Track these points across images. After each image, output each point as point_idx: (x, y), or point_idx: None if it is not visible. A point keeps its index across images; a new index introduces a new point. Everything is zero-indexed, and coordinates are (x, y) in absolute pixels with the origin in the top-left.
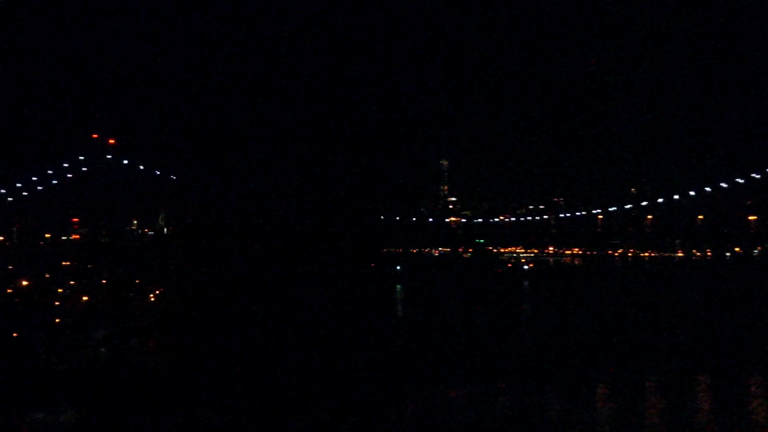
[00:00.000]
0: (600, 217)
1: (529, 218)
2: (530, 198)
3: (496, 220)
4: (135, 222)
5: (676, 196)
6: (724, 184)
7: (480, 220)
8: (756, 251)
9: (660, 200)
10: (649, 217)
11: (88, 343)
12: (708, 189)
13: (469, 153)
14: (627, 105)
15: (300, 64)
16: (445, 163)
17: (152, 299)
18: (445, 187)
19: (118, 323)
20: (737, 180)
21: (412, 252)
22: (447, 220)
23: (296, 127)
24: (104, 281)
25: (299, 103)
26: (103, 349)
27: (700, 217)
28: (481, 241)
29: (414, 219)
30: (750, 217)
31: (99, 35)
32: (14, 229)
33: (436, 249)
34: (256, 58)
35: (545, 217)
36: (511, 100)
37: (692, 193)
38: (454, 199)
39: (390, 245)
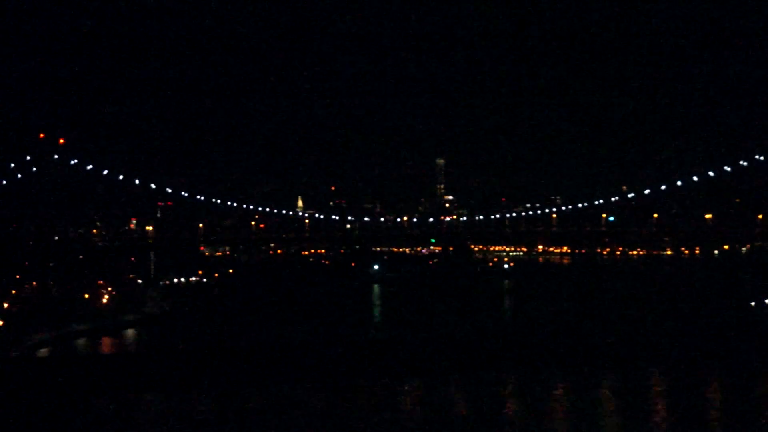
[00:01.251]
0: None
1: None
2: (524, 196)
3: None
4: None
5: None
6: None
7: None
8: (744, 249)
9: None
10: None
11: (26, 345)
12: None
13: (465, 151)
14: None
15: (288, 60)
16: (441, 161)
17: (105, 301)
18: (441, 186)
19: (64, 325)
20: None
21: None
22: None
23: (283, 125)
24: (53, 282)
25: (288, 100)
26: (43, 350)
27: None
28: (433, 240)
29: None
30: (706, 216)
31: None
32: None
33: (426, 248)
34: (238, 54)
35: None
36: (504, 100)
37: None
38: (450, 197)
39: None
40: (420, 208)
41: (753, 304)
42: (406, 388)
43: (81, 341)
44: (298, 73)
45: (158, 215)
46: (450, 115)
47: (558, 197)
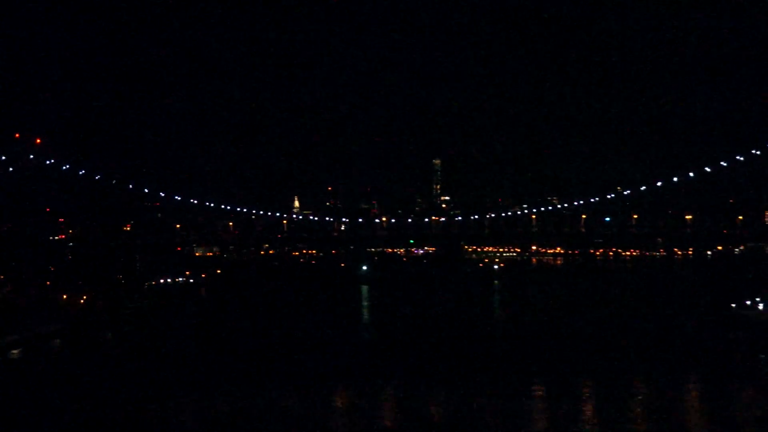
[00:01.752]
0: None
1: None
2: (523, 195)
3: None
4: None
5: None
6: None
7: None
8: (738, 250)
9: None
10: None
11: None
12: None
13: (461, 152)
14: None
15: (286, 60)
16: (438, 162)
17: (83, 301)
18: (437, 186)
19: (38, 326)
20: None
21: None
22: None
23: (280, 126)
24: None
25: (285, 100)
26: (14, 351)
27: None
28: (411, 242)
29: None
30: (687, 216)
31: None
32: None
33: (421, 249)
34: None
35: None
36: (501, 100)
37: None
38: (447, 198)
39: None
40: (417, 208)
41: (733, 305)
42: (385, 390)
43: (55, 342)
44: (296, 74)
45: (139, 216)
46: (447, 115)
47: (555, 198)
